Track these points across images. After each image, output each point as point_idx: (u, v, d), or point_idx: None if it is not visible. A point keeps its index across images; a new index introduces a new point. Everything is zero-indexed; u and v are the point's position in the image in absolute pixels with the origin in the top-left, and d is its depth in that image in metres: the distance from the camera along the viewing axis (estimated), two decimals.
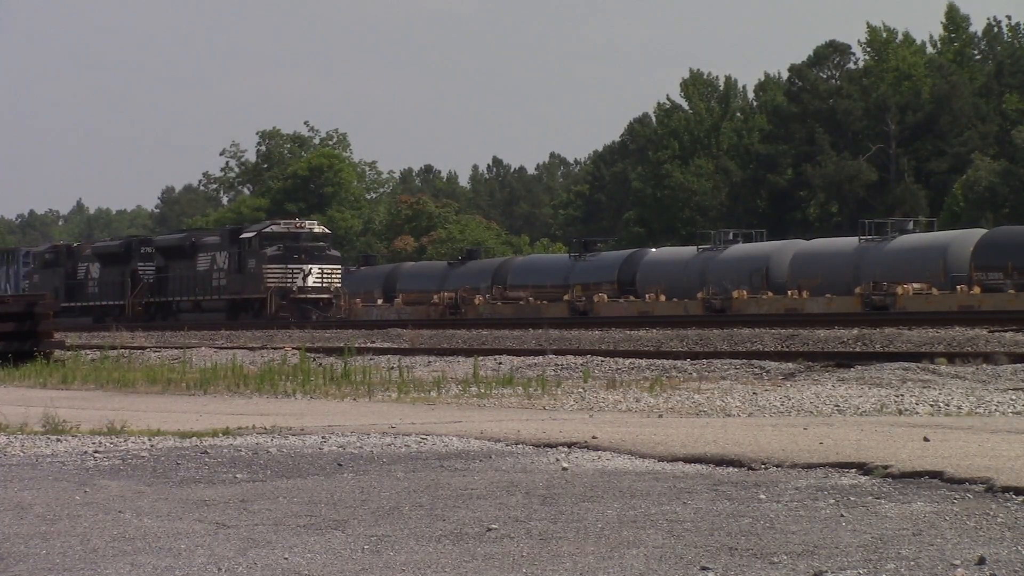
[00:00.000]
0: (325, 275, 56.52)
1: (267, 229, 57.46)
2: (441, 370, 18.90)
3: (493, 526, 6.32)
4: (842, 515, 6.43)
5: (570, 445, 9.52)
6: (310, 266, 56.10)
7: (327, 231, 60.05)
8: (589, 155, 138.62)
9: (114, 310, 63.01)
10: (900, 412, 12.10)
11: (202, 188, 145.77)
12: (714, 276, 56.46)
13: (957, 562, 5.34)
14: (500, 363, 20.11)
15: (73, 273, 66.64)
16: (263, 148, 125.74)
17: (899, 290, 47.20)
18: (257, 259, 56.29)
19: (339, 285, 57.34)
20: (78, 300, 65.37)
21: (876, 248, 53.18)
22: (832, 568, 5.30)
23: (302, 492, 7.57)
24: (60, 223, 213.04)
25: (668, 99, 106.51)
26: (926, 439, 9.07)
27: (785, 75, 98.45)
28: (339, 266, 58.34)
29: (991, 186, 79.77)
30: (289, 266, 55.89)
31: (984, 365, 16.94)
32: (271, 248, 56.11)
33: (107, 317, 62.07)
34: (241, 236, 58.03)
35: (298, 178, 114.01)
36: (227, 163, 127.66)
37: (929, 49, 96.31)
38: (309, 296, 55.67)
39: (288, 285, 55.67)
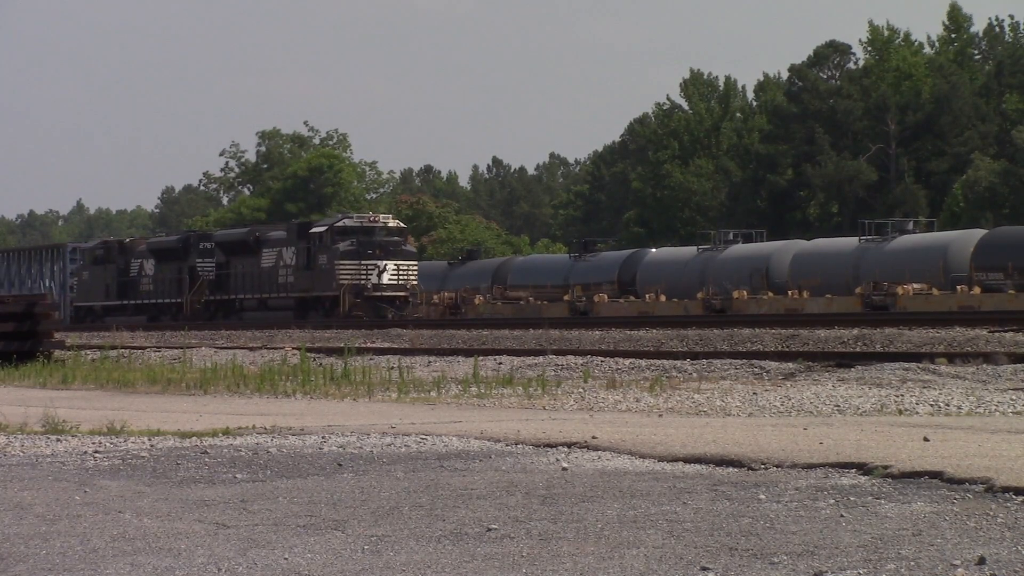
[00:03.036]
0: (401, 272, 53.81)
1: (339, 223, 54.68)
2: (441, 370, 18.89)
3: (493, 526, 6.32)
4: (842, 515, 6.43)
5: (570, 445, 9.51)
6: (385, 262, 53.34)
7: (402, 225, 57.09)
8: (589, 155, 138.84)
9: (171, 308, 60.61)
10: (900, 412, 12.10)
11: (202, 188, 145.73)
12: (714, 276, 56.46)
13: (957, 562, 5.34)
14: (500, 363, 20.10)
15: (126, 270, 63.70)
16: (263, 148, 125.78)
17: (899, 290, 47.19)
18: (329, 255, 53.49)
19: (415, 282, 54.82)
20: (131, 298, 62.85)
21: (876, 248, 53.17)
22: (832, 568, 5.29)
23: (302, 492, 7.57)
24: (60, 223, 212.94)
25: (668, 99, 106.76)
26: (926, 439, 9.07)
27: (785, 75, 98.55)
28: (415, 262, 55.56)
29: (991, 186, 79.78)
30: (363, 262, 53.12)
31: (984, 365, 16.94)
32: (344, 243, 53.34)
33: (163, 316, 60.13)
34: (311, 231, 55.18)
35: (298, 178, 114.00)
36: (227, 163, 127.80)
37: (927, 49, 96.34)
38: (385, 294, 53.18)
39: (362, 282, 52.97)
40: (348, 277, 53.10)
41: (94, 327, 52.84)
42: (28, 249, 78.08)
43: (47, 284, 69.71)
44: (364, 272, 53.23)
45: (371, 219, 55.67)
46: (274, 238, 57.21)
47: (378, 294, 53.07)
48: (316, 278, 54.24)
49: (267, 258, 56.74)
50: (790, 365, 17.86)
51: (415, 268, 55.10)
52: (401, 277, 53.88)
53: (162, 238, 67.86)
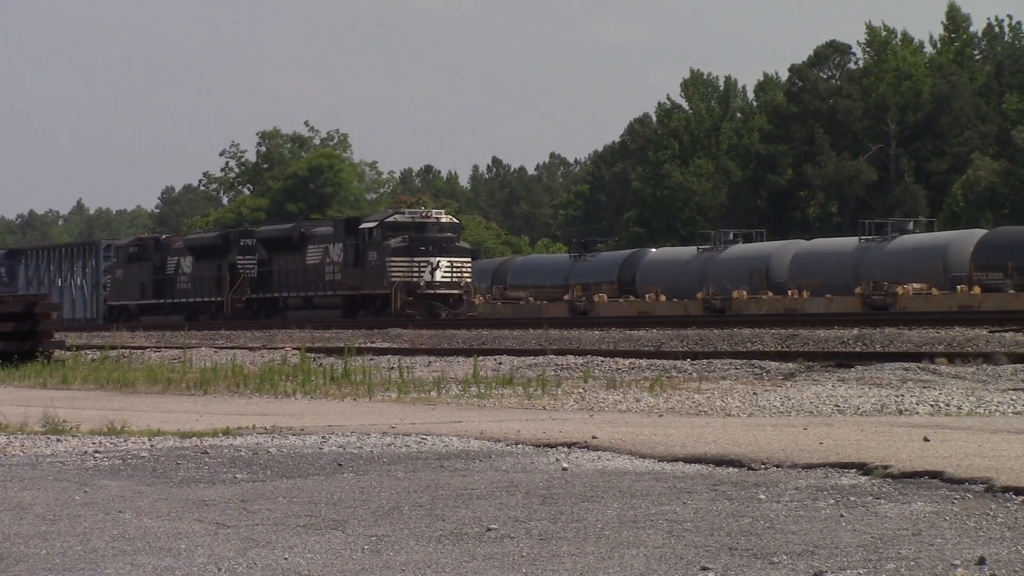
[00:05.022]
0: (455, 269, 51.71)
1: (390, 219, 52.86)
2: (441, 370, 18.87)
3: (493, 526, 6.32)
4: (842, 515, 6.43)
5: (570, 445, 9.51)
6: (438, 259, 51.34)
7: (455, 221, 55.18)
8: (589, 155, 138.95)
9: (210, 307, 58.85)
10: (900, 412, 12.09)
11: (202, 188, 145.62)
12: (714, 276, 56.49)
13: (957, 562, 5.34)
14: (500, 363, 20.08)
15: (162, 267, 61.75)
16: (263, 148, 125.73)
17: (899, 290, 47.22)
18: (379, 251, 51.61)
19: (470, 280, 52.69)
20: (168, 297, 61.10)
21: (876, 248, 53.19)
22: (832, 568, 5.29)
23: (302, 492, 7.57)
24: (60, 223, 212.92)
25: (668, 99, 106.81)
26: (926, 439, 9.06)
27: (785, 75, 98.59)
28: (469, 259, 53.37)
29: (991, 186, 79.80)
30: (415, 259, 51.15)
31: (984, 365, 16.92)
32: (395, 239, 51.43)
33: (202, 315, 58.66)
34: (360, 226, 53.38)
35: (298, 178, 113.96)
36: (227, 163, 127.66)
37: (928, 49, 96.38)
38: (438, 292, 51.13)
39: (414, 280, 50.99)
40: (400, 275, 51.19)
41: (104, 327, 52.27)
42: (59, 247, 76.38)
43: (79, 283, 68.63)
44: (416, 269, 51.42)
45: (423, 215, 53.85)
46: (320, 234, 55.34)
47: (431, 292, 51.32)
48: (365, 276, 52.44)
49: (312, 255, 54.84)
50: (790, 365, 17.84)
51: (469, 265, 53.18)
52: (455, 274, 51.96)
53: (201, 234, 66.05)
